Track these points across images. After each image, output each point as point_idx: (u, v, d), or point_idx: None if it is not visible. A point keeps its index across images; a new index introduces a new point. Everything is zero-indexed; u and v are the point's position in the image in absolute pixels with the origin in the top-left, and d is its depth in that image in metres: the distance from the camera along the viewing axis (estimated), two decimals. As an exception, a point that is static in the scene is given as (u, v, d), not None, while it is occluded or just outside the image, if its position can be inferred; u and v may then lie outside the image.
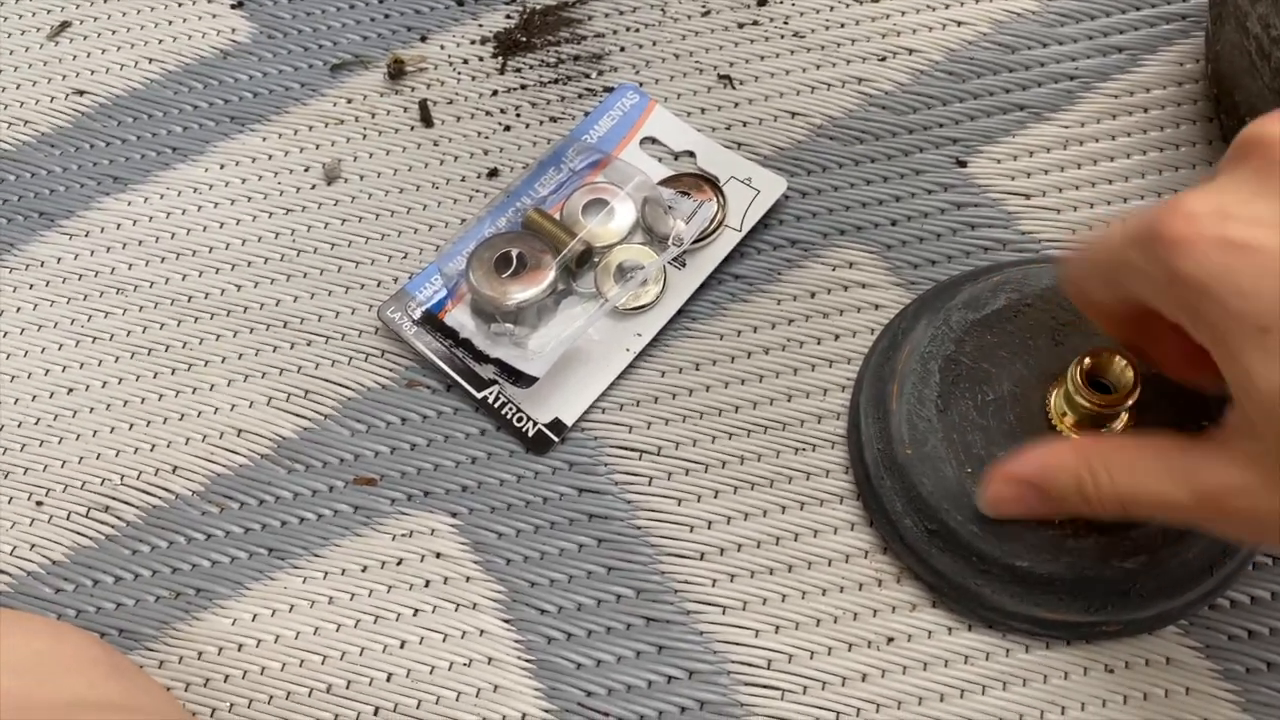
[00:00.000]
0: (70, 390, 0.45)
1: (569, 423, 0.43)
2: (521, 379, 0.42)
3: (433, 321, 0.44)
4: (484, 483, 0.43)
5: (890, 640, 0.39)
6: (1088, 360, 0.37)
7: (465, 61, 0.51)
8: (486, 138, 0.49)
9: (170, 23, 0.52)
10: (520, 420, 0.43)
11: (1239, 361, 0.29)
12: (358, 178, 0.48)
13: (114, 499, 0.43)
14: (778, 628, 0.40)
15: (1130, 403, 0.37)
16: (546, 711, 0.39)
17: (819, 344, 0.44)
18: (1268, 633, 0.39)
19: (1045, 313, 0.40)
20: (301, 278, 0.47)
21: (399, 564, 0.42)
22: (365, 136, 0.49)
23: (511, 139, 0.49)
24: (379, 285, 0.46)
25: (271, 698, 0.40)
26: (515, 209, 0.46)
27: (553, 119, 0.49)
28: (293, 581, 0.42)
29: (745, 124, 0.48)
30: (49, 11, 0.53)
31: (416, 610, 0.41)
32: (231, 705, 0.40)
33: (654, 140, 0.48)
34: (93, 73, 0.51)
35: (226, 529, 0.42)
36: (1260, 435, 0.30)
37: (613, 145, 0.47)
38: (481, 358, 0.43)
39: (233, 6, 0.53)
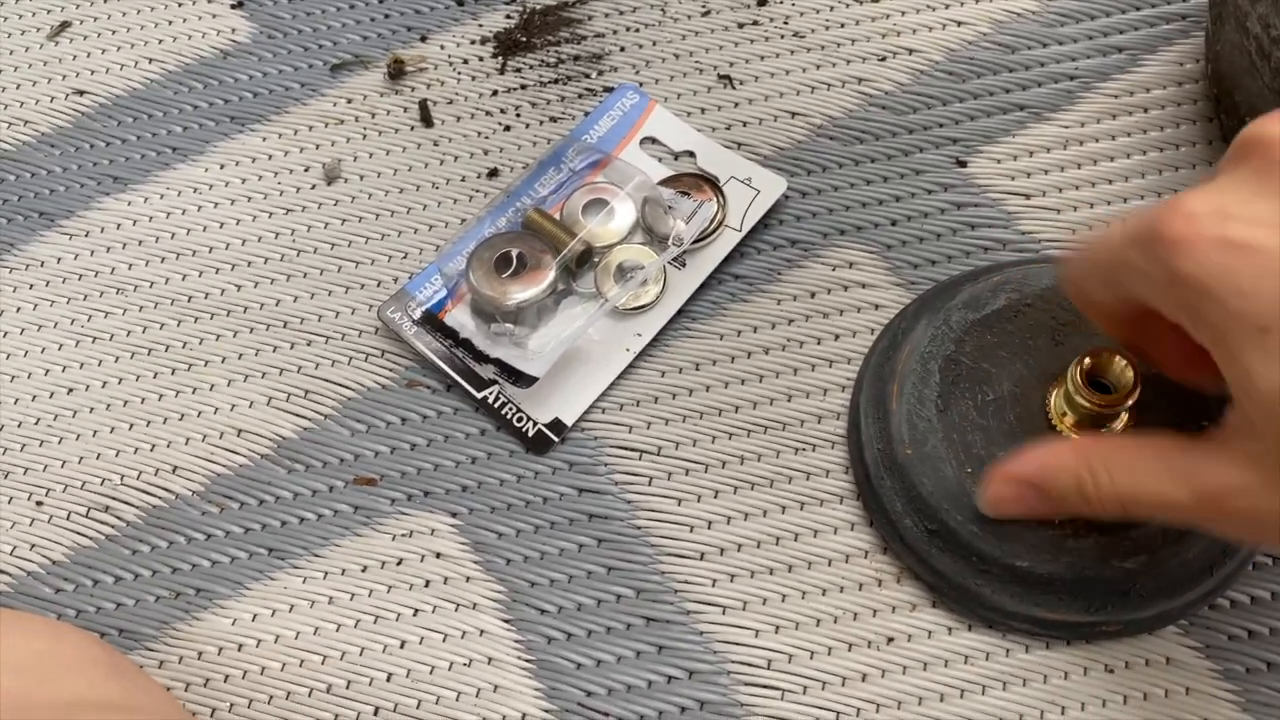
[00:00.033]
0: (70, 390, 0.45)
1: (569, 423, 0.43)
2: (521, 379, 0.42)
3: (433, 321, 0.44)
4: (484, 483, 0.43)
5: (890, 640, 0.39)
6: (1088, 360, 0.37)
7: (465, 61, 0.51)
8: (486, 138, 0.49)
9: (170, 23, 0.52)
10: (520, 420, 0.43)
11: (1239, 361, 0.29)
12: (358, 178, 0.48)
13: (114, 499, 0.43)
14: (778, 628, 0.40)
15: (1130, 403, 0.37)
16: (546, 711, 0.39)
17: (819, 344, 0.44)
18: (1268, 633, 0.39)
19: (1045, 313, 0.40)
20: (301, 278, 0.47)
21: (399, 564, 0.42)
22: (365, 136, 0.49)
23: (511, 139, 0.49)
24: (379, 285, 0.46)
25: (271, 698, 0.40)
26: (515, 209, 0.46)
27: (553, 119, 0.49)
28: (293, 581, 0.42)
29: (745, 124, 0.48)
30: (49, 11, 0.53)
31: (416, 610, 0.41)
32: (231, 705, 0.40)
33: (654, 140, 0.48)
34: (93, 73, 0.51)
35: (226, 529, 0.42)
36: (1260, 435, 0.30)
37: (613, 145, 0.47)
38: (481, 358, 0.43)
39: (233, 6, 0.53)
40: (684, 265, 0.45)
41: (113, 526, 0.43)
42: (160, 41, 0.52)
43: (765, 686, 0.39)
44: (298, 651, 0.40)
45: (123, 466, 0.44)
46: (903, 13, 0.50)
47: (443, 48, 0.51)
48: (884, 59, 0.49)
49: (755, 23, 0.50)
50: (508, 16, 0.51)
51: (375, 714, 0.39)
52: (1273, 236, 0.29)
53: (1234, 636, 0.39)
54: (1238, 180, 0.30)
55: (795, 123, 0.48)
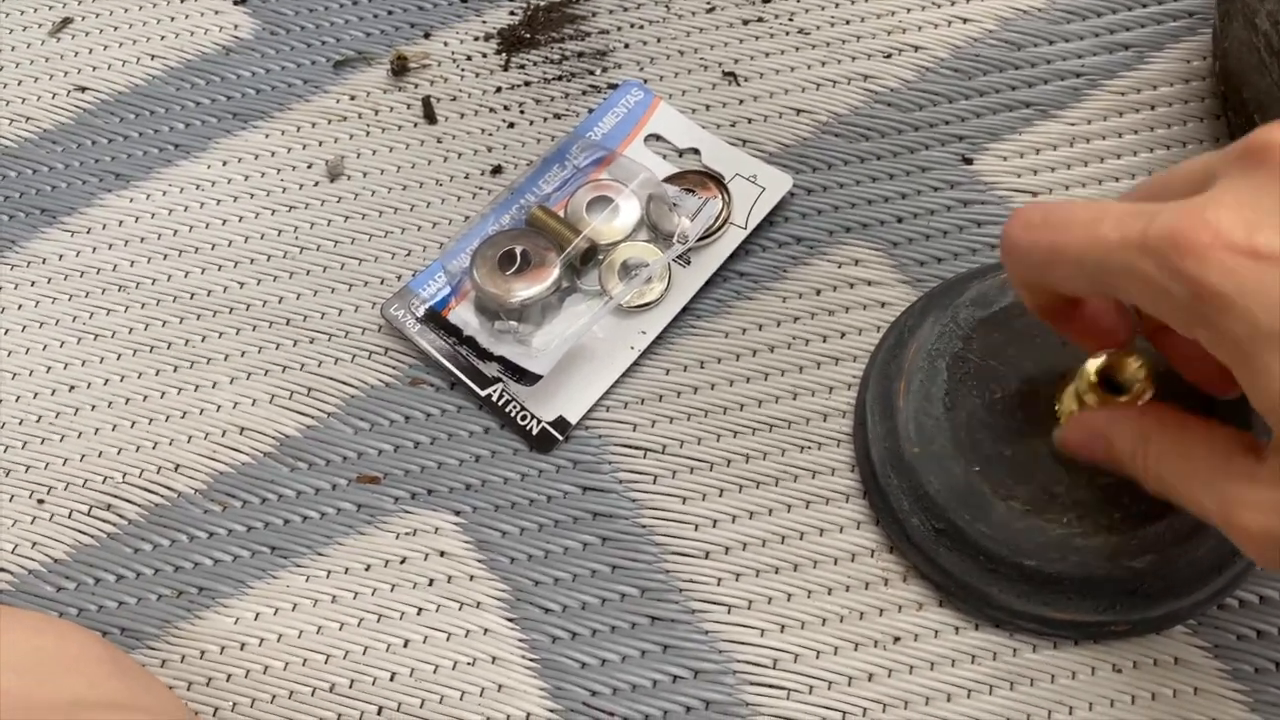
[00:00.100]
0: (72, 387, 0.45)
1: (573, 421, 0.43)
2: (525, 377, 0.42)
3: (436, 319, 0.44)
4: (488, 481, 0.42)
5: (897, 639, 0.39)
6: (1102, 359, 0.36)
7: (469, 58, 0.50)
8: (490, 134, 0.49)
9: (173, 19, 0.52)
10: (524, 418, 0.43)
11: (1268, 377, 0.28)
12: (361, 175, 0.48)
13: (116, 497, 0.43)
14: (783, 627, 0.40)
15: (1141, 403, 0.36)
16: (551, 711, 0.39)
17: (825, 342, 0.44)
18: (1276, 632, 0.39)
19: (1053, 310, 0.40)
20: (304, 275, 0.46)
21: (402, 562, 0.41)
22: (368, 133, 0.49)
23: (515, 136, 0.49)
24: (382, 282, 0.46)
25: (274, 697, 0.40)
26: (519, 206, 0.45)
27: (557, 116, 0.49)
28: (295, 580, 0.41)
29: (750, 121, 0.48)
30: (51, 7, 0.53)
31: (420, 609, 0.41)
32: (234, 704, 0.40)
33: (658, 137, 0.47)
34: (95, 69, 0.51)
35: (229, 527, 0.42)
36: None
37: (617, 142, 0.47)
38: (485, 355, 0.43)
39: (235, 3, 0.52)
40: (689, 263, 0.45)
41: (114, 524, 0.43)
42: (162, 38, 0.52)
43: (771, 686, 0.39)
44: (300, 650, 0.40)
45: (125, 464, 0.43)
46: (908, 9, 0.50)
47: (446, 44, 0.51)
48: (889, 56, 0.49)
49: (760, 19, 0.50)
50: (511, 13, 0.51)
51: (379, 713, 0.39)
52: None
53: (1243, 636, 0.39)
54: (1257, 188, 0.29)
55: (800, 120, 0.48)
